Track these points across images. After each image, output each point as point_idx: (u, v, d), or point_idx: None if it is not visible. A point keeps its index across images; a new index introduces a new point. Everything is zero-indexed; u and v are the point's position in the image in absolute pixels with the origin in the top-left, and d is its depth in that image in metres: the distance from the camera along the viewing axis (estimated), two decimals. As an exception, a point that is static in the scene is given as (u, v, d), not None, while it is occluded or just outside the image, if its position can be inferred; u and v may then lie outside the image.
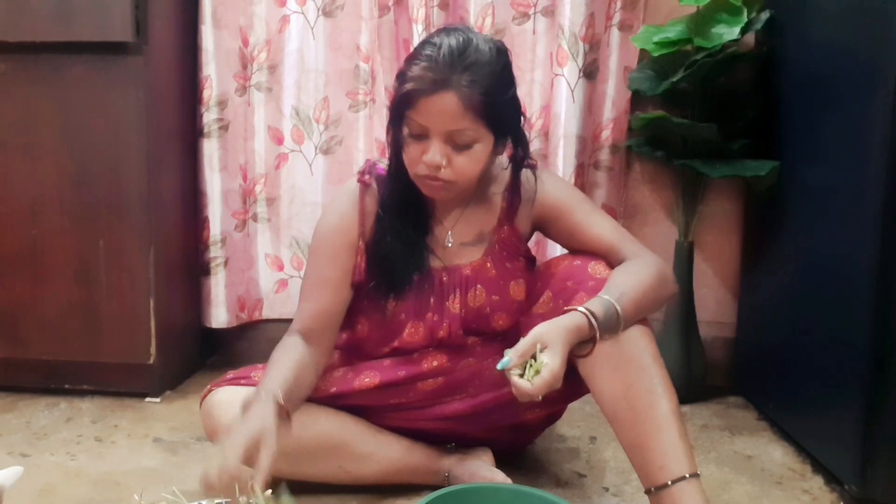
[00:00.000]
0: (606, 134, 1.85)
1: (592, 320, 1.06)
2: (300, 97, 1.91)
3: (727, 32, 1.64)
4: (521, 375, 1.03)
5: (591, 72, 1.81)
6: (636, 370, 1.09)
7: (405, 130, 1.15)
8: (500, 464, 1.30)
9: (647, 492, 1.08)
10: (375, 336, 1.30)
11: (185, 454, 1.46)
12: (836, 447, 1.35)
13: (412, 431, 1.29)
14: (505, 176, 1.29)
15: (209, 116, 1.85)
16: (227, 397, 1.21)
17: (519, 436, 1.41)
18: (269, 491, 1.08)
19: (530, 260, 1.33)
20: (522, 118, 1.21)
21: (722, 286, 1.94)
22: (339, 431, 1.24)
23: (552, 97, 1.81)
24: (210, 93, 1.84)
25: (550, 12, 1.81)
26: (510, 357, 1.04)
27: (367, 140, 1.90)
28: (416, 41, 1.77)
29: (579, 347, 1.08)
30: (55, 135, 1.64)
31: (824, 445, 1.41)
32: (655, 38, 1.70)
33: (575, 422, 1.65)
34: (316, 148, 1.93)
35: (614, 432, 1.12)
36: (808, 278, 1.49)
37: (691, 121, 1.71)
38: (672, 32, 1.70)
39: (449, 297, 1.26)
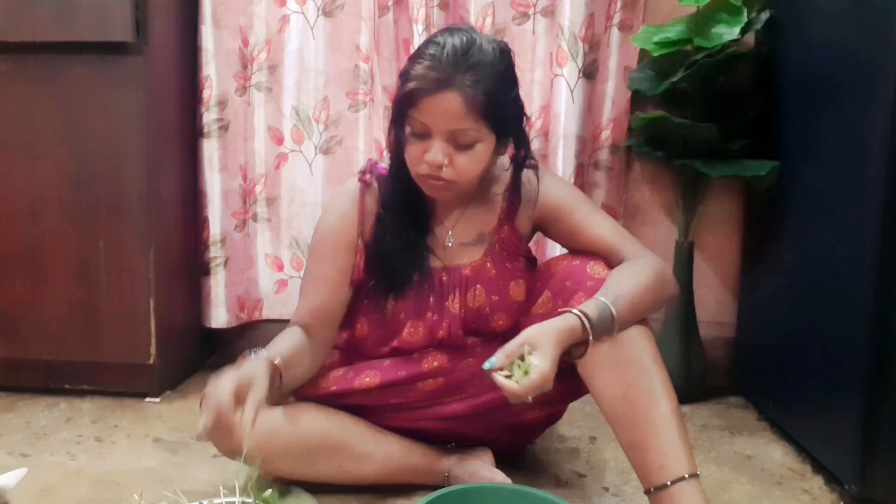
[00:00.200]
0: (606, 134, 1.85)
1: (585, 322, 1.06)
2: (300, 97, 1.91)
3: (727, 32, 1.64)
4: (510, 376, 1.02)
5: (590, 72, 1.81)
6: (636, 370, 1.09)
7: (407, 129, 1.15)
8: (500, 464, 1.30)
9: (647, 492, 1.08)
10: (375, 335, 1.30)
11: (185, 454, 1.46)
12: (836, 447, 1.35)
13: (412, 431, 1.29)
14: (506, 176, 1.29)
15: (209, 116, 1.85)
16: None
17: (519, 436, 1.41)
18: (270, 491, 1.09)
19: (530, 260, 1.33)
20: (524, 119, 1.21)
21: (722, 286, 1.94)
22: (339, 431, 1.24)
23: (552, 97, 1.81)
24: (210, 93, 1.84)
25: (550, 12, 1.81)
26: (497, 357, 1.04)
27: (366, 140, 1.90)
28: (416, 41, 1.77)
29: (573, 349, 1.08)
30: (55, 135, 1.64)
31: (824, 445, 1.41)
32: (655, 38, 1.70)
33: (575, 422, 1.65)
34: (316, 148, 1.93)
35: (614, 432, 1.12)
36: (808, 278, 1.49)
37: (691, 121, 1.71)
38: (672, 32, 1.70)
39: (448, 297, 1.26)
